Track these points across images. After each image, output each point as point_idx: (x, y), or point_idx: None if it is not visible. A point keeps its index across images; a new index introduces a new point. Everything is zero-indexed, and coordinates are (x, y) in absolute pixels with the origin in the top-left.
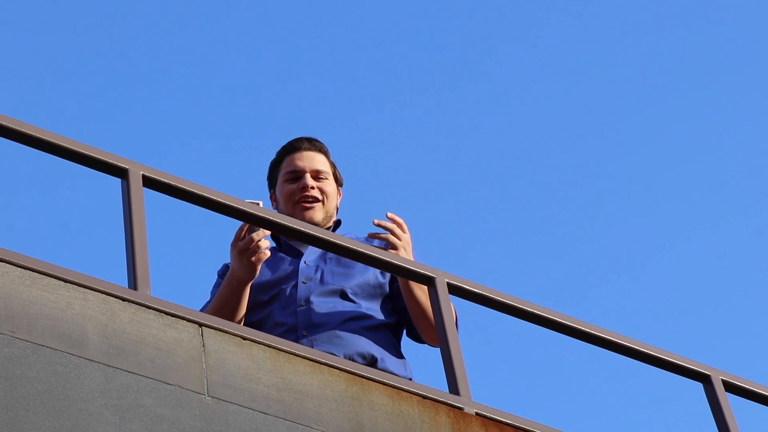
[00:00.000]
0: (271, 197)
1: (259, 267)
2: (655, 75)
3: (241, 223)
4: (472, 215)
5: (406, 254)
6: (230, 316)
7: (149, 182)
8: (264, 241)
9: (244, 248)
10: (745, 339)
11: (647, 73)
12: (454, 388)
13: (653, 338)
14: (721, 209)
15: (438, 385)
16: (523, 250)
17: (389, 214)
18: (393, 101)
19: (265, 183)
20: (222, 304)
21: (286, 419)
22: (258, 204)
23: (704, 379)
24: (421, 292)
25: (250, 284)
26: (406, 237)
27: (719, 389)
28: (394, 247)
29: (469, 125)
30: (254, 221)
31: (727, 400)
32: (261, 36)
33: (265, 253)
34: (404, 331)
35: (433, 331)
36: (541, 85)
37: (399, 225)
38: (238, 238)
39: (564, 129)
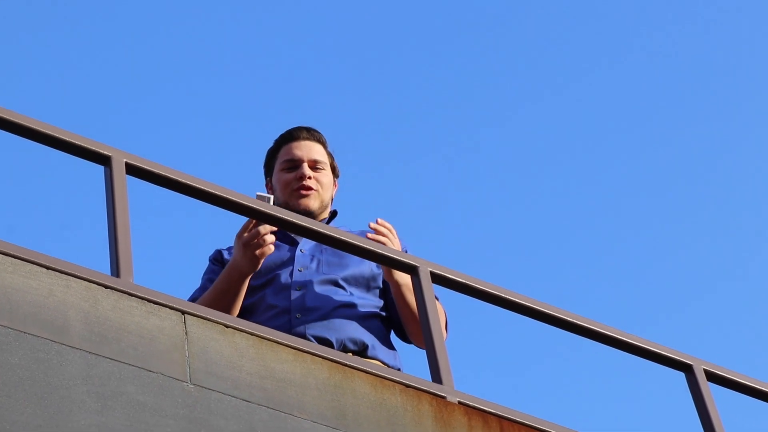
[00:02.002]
0: (267, 185)
1: (261, 261)
2: (659, 74)
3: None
4: (461, 209)
5: None
6: (226, 308)
7: (132, 170)
8: (270, 235)
9: (250, 240)
10: (727, 329)
11: (649, 73)
12: (437, 377)
13: (636, 328)
14: (703, 202)
15: (421, 375)
16: (507, 241)
17: (380, 221)
18: (385, 96)
19: (258, 172)
20: (219, 296)
21: (268, 407)
22: (269, 198)
23: (686, 368)
24: (411, 295)
25: (249, 278)
26: (397, 242)
27: (701, 379)
28: None
29: (461, 121)
30: (238, 210)
31: (708, 389)
32: (252, 27)
33: (270, 248)
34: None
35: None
36: (529, 78)
37: (390, 230)
38: (244, 229)
39: (553, 124)
